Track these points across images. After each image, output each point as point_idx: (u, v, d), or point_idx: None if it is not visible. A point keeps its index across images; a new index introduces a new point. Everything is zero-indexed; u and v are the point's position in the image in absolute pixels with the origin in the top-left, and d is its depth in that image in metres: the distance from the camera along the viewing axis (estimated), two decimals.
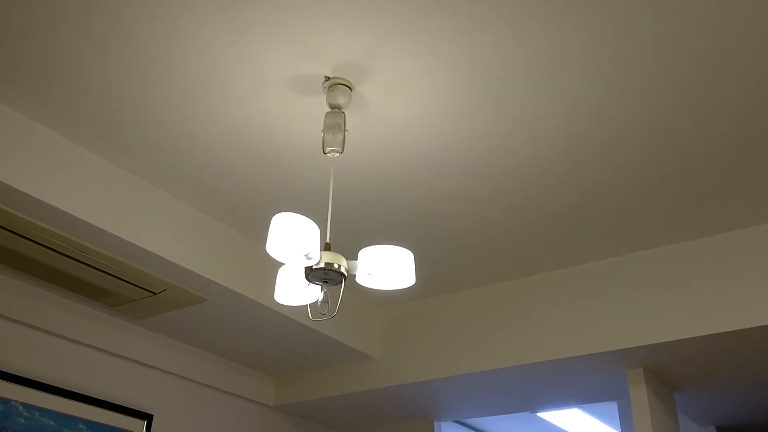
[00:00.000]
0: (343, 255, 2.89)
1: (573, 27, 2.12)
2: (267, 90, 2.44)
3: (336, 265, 2.10)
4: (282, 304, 3.42)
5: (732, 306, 3.02)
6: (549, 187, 2.91)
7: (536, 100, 2.43)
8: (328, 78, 2.37)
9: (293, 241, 2.01)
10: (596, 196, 2.96)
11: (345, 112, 2.41)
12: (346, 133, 2.34)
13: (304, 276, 2.16)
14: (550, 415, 5.33)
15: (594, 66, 2.27)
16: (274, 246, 2.04)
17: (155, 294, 3.22)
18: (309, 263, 2.08)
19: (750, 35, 2.14)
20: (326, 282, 2.14)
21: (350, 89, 2.39)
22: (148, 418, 3.52)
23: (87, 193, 2.74)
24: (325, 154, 2.32)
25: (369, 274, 2.16)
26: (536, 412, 4.92)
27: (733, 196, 2.93)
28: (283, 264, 2.84)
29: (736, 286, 3.04)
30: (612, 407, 5.15)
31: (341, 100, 2.36)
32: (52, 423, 3.10)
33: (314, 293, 2.26)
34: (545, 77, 2.33)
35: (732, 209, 3.02)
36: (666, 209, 3.04)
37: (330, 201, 2.32)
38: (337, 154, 2.32)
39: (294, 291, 2.26)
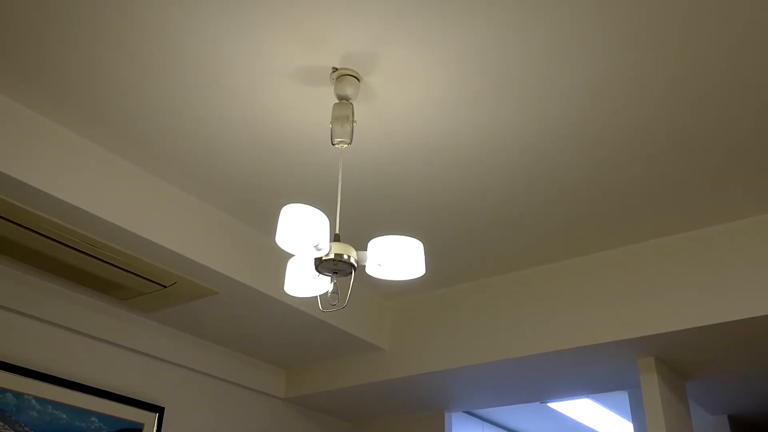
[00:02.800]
0: (352, 246, 2.89)
1: (572, 18, 2.11)
2: (275, 82, 2.43)
3: (345, 256, 2.10)
4: (292, 296, 3.42)
5: (743, 294, 3.00)
6: (555, 176, 2.90)
7: (540, 88, 2.42)
8: (336, 69, 2.36)
9: (303, 232, 2.01)
10: (602, 186, 2.94)
11: (353, 102, 2.41)
12: (354, 123, 2.33)
13: (313, 267, 2.16)
14: (561, 405, 5.34)
15: (595, 55, 2.26)
16: (283, 237, 2.03)
17: (165, 287, 3.23)
18: (318, 254, 2.07)
19: (744, 34, 2.12)
20: (336, 273, 2.14)
21: (358, 80, 2.38)
22: (159, 410, 3.53)
23: (97, 188, 2.75)
24: (333, 145, 2.31)
25: (379, 265, 2.15)
26: (546, 402, 4.92)
27: (745, 183, 2.91)
28: (293, 255, 2.85)
29: (748, 274, 3.02)
30: (623, 397, 5.15)
31: (349, 91, 2.35)
32: (64, 416, 3.12)
33: (324, 284, 2.26)
34: (550, 66, 2.31)
35: (743, 196, 3.00)
36: (676, 197, 3.02)
37: (339, 192, 2.32)
38: (346, 145, 2.31)
39: (304, 282, 2.26)
